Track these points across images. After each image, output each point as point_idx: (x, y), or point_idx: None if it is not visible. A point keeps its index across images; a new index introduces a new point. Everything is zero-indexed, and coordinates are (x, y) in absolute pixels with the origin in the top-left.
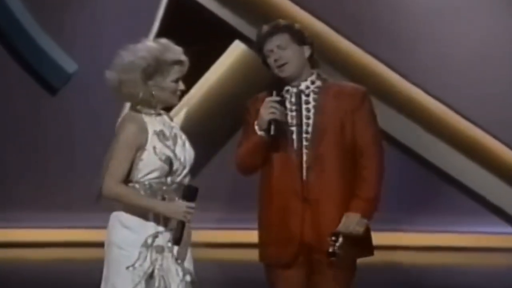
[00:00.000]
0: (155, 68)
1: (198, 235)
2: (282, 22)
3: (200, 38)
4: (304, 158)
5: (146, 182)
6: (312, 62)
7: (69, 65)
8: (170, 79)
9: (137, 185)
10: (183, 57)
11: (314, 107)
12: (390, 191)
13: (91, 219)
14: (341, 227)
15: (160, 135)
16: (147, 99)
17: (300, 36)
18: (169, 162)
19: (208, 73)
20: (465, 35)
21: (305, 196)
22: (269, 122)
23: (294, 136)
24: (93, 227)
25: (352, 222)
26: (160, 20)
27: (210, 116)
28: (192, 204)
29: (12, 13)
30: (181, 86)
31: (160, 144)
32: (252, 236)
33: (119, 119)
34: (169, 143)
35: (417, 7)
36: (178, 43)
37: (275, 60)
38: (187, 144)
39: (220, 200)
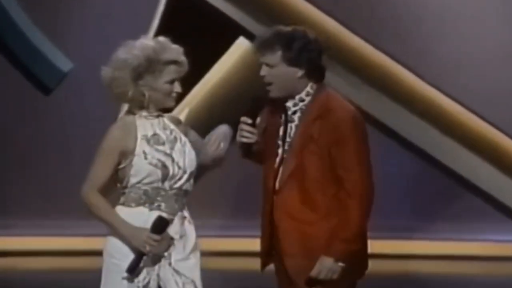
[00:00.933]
0: (146, 67)
1: (200, 243)
2: (281, 33)
3: (202, 35)
4: (279, 177)
5: (142, 188)
6: (314, 76)
7: (64, 64)
8: (163, 80)
9: (132, 193)
10: (181, 58)
11: (296, 126)
12: (402, 196)
13: (87, 226)
14: (313, 272)
15: (151, 139)
16: (138, 99)
17: (294, 56)
18: (162, 166)
19: (211, 72)
20: (485, 34)
21: (272, 217)
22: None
23: (279, 151)
24: (92, 234)
25: (324, 267)
26: (160, 16)
27: (213, 117)
28: (156, 237)
29: (3, 8)
30: (177, 88)
31: (150, 148)
32: (257, 244)
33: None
34: (164, 147)
35: (433, 5)
36: (178, 40)
37: (262, 76)
38: (188, 147)
39: (223, 206)
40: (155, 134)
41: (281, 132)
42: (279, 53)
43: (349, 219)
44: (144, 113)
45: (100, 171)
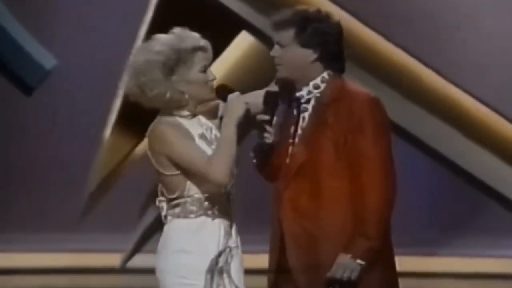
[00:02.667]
0: (176, 60)
1: None
2: (298, 12)
3: (201, 29)
4: (286, 174)
5: (202, 195)
6: (330, 62)
7: (47, 60)
8: (196, 69)
9: (191, 202)
10: (204, 42)
11: (309, 116)
12: (421, 208)
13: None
14: (330, 272)
15: (204, 138)
16: (178, 98)
17: (307, 37)
18: None
19: (212, 69)
20: (507, 27)
21: (281, 230)
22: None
23: (290, 150)
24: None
25: (341, 265)
26: (154, 9)
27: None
28: (236, 93)
29: None
30: (212, 75)
31: (208, 149)
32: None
33: (148, 133)
34: (214, 147)
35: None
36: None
37: (274, 57)
38: None
39: None
40: (203, 134)
41: (292, 129)
42: (292, 32)
43: (368, 212)
44: (184, 112)
45: (195, 149)
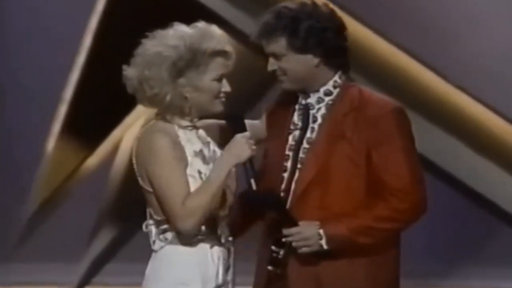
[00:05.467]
0: (188, 61)
1: None
2: (282, 13)
3: (160, 24)
4: (290, 196)
5: None
6: (337, 62)
7: None
8: (209, 77)
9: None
10: (229, 47)
11: (319, 127)
12: (422, 233)
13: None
14: (287, 230)
15: (201, 156)
16: (178, 105)
17: (302, 41)
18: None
19: None
20: None
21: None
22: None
23: (288, 165)
24: None
25: (301, 230)
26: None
27: None
28: (247, 134)
29: None
30: (226, 87)
31: (204, 167)
32: None
33: (138, 135)
34: (210, 167)
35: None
36: (130, 29)
37: (272, 72)
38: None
39: None
40: (201, 150)
41: (291, 140)
42: (283, 41)
43: (372, 212)
44: (184, 122)
45: (179, 181)
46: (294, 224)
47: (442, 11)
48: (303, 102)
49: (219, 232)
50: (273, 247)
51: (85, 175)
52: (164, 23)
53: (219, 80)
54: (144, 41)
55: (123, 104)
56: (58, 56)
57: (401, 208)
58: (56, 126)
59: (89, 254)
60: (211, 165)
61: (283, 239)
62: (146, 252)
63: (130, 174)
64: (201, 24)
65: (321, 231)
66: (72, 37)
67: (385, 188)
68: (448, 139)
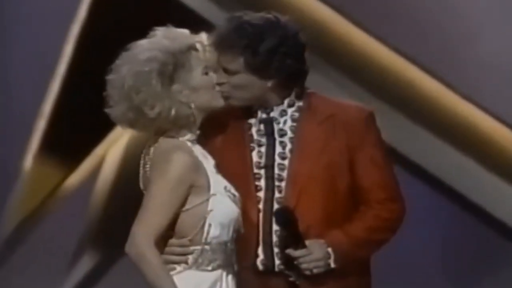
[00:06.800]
0: (174, 64)
1: None
2: (244, 28)
3: (151, 29)
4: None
5: (222, 243)
6: (292, 83)
7: None
8: (198, 72)
9: (211, 250)
10: (198, 37)
11: (292, 140)
12: (428, 253)
13: None
14: (292, 251)
15: (219, 170)
16: (185, 113)
17: (261, 64)
18: (240, 206)
19: None
20: None
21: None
22: None
23: (262, 183)
24: None
25: (314, 251)
26: (90, 3)
27: None
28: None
29: None
30: (216, 78)
31: (228, 183)
32: None
33: (153, 155)
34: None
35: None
36: (112, 38)
37: (219, 84)
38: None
39: None
40: (215, 164)
41: (256, 157)
42: (241, 60)
43: (361, 220)
44: (190, 135)
45: (161, 212)
46: (302, 242)
47: (444, 15)
48: (263, 116)
49: (233, 255)
50: (286, 272)
51: (66, 195)
52: (149, 30)
53: (206, 73)
54: (110, 76)
55: (106, 118)
56: (37, 67)
57: (389, 217)
58: (35, 142)
59: (70, 280)
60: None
61: (295, 262)
62: (133, 279)
63: (115, 194)
64: (158, 30)
65: (330, 250)
66: (51, 47)
67: (369, 196)
68: (455, 154)
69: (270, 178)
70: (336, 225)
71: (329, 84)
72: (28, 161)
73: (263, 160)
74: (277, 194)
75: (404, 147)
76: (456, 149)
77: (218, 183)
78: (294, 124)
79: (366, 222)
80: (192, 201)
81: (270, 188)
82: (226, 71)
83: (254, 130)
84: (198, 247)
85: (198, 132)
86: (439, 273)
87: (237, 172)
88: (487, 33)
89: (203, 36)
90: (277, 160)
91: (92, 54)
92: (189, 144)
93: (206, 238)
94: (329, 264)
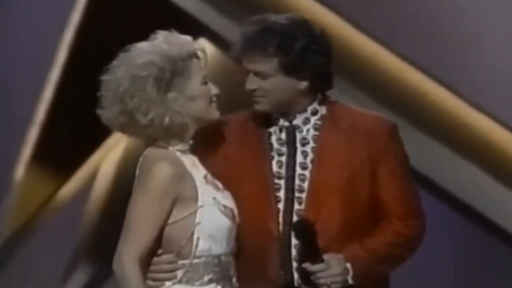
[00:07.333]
0: (172, 71)
1: None
2: (275, 28)
3: (147, 34)
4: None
5: (214, 257)
6: (321, 86)
7: None
8: (197, 81)
9: (201, 264)
10: (199, 45)
11: (314, 150)
12: (441, 272)
13: None
14: (313, 267)
15: (210, 181)
16: (178, 122)
17: (294, 64)
18: (234, 218)
19: None
20: None
21: None
22: None
23: (281, 194)
24: None
25: (332, 266)
26: (84, 7)
27: None
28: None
29: None
30: (214, 89)
31: (219, 194)
32: None
33: (140, 165)
34: (218, 193)
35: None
36: (107, 43)
37: (251, 90)
38: (227, 192)
39: None
40: (207, 174)
41: (276, 167)
42: (274, 62)
43: (380, 235)
44: (182, 145)
45: (144, 228)
46: (319, 256)
47: (452, 24)
48: (286, 124)
49: (231, 269)
50: (304, 287)
51: (59, 206)
52: (144, 36)
53: (205, 83)
54: (105, 77)
55: (101, 127)
56: (29, 73)
57: (409, 234)
58: (26, 151)
59: None
60: (219, 192)
61: (312, 277)
62: None
63: (110, 205)
64: (160, 34)
65: (348, 265)
66: (44, 53)
67: (389, 211)
68: (468, 166)
69: (290, 189)
70: (356, 240)
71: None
72: (20, 170)
73: (283, 170)
74: (296, 206)
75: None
76: (467, 160)
77: (206, 194)
78: (317, 133)
79: (385, 237)
80: (179, 214)
81: (289, 200)
82: (257, 74)
83: (274, 139)
84: (187, 261)
85: (191, 142)
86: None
87: (255, 182)
88: (493, 40)
89: (204, 44)
90: (298, 170)
91: (86, 60)
92: (178, 154)
93: (195, 252)
94: (347, 280)
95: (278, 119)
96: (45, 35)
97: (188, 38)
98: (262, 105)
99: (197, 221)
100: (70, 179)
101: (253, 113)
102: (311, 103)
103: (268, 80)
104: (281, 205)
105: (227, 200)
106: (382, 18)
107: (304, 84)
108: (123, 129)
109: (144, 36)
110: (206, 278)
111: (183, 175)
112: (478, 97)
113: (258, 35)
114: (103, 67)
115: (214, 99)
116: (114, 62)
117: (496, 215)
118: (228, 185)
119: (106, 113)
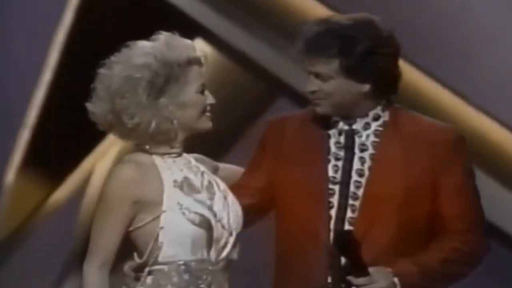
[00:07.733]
0: (166, 76)
1: None
2: (336, 29)
3: (141, 35)
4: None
5: (181, 263)
6: (386, 91)
7: None
8: (193, 89)
9: (165, 272)
10: (200, 52)
11: (372, 157)
12: None
13: None
14: (357, 280)
15: (185, 185)
16: (165, 129)
17: (357, 68)
18: (208, 225)
19: None
20: None
21: None
22: None
23: (335, 200)
24: None
25: (378, 280)
26: (77, 8)
27: None
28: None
29: None
30: (211, 98)
31: (188, 199)
32: None
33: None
34: (202, 196)
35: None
36: (101, 45)
37: (311, 92)
38: (231, 197)
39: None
40: (186, 178)
41: (332, 171)
42: (336, 64)
43: (440, 255)
44: (163, 148)
45: (104, 235)
46: (364, 269)
47: (453, 24)
48: (345, 127)
49: (207, 278)
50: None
51: (51, 212)
52: (138, 37)
53: (202, 91)
54: (101, 71)
55: (94, 130)
56: (20, 75)
57: (468, 250)
58: (17, 155)
59: None
60: (203, 195)
61: None
62: None
63: None
64: (162, 35)
65: (396, 280)
66: (36, 56)
67: (448, 226)
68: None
69: (344, 195)
70: (409, 254)
71: None
72: (11, 175)
73: (338, 175)
74: (349, 214)
75: None
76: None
77: (172, 198)
78: (377, 139)
79: (442, 253)
80: (143, 219)
81: (342, 207)
82: (318, 76)
83: (332, 142)
84: (154, 268)
85: (179, 149)
86: None
87: (309, 185)
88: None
89: (201, 44)
90: (354, 176)
91: (79, 62)
92: (153, 157)
93: (159, 257)
94: None
95: (337, 122)
96: (37, 39)
97: (190, 43)
98: (322, 108)
99: (160, 225)
100: (62, 184)
101: (315, 112)
102: (373, 108)
103: (329, 82)
104: (333, 212)
105: (218, 205)
106: (382, 18)
107: (366, 87)
108: (110, 128)
109: (139, 37)
110: (175, 285)
111: (147, 179)
112: (478, 97)
113: (321, 36)
114: (95, 72)
115: (208, 108)
116: (113, 58)
117: (496, 216)
118: (283, 189)
119: (95, 107)
